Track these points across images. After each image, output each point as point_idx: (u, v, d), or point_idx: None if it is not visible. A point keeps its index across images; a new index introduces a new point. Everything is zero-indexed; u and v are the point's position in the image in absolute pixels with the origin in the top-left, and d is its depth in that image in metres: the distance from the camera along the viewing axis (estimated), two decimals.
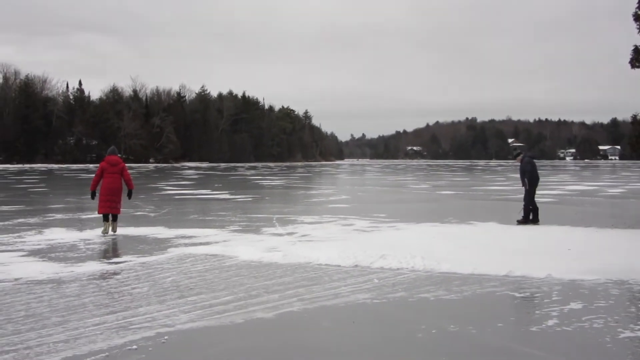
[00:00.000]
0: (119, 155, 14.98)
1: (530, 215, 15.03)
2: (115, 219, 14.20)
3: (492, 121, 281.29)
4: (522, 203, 15.26)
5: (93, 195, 14.65)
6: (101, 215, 14.14)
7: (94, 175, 14.91)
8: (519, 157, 15.85)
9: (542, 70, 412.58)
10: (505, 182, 41.28)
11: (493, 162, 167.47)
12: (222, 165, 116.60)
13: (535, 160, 15.79)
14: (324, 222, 15.79)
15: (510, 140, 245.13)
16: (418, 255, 10.03)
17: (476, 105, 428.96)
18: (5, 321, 6.42)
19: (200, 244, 12.05)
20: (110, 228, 13.97)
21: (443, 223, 15.34)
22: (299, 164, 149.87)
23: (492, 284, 8.34)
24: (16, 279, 8.64)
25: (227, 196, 27.07)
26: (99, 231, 13.96)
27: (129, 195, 14.90)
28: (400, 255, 10.02)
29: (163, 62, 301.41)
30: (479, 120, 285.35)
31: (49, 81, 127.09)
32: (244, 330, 6.15)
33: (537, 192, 15.45)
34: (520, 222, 14.96)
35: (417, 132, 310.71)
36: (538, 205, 15.40)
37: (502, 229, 14.02)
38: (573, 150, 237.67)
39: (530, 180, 15.27)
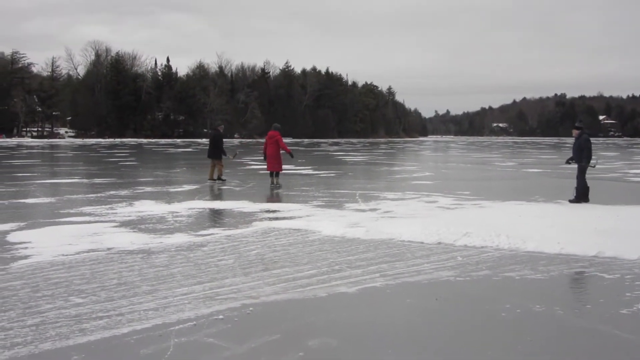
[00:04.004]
0: (278, 129, 19.94)
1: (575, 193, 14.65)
2: (277, 175, 19.67)
3: (582, 97, 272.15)
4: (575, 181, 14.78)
5: (265, 158, 19.89)
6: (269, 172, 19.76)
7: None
8: (577, 132, 15.10)
9: (635, 45, 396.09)
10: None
11: None
12: (306, 140, 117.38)
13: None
14: (407, 199, 15.71)
15: (601, 117, 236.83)
16: (503, 233, 9.86)
17: (565, 81, 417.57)
18: (99, 288, 6.69)
19: (284, 218, 12.20)
20: (275, 180, 19.46)
21: (529, 201, 15.00)
22: (382, 140, 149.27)
23: (580, 264, 8.12)
24: (109, 249, 8.98)
25: (310, 171, 27.27)
26: (185, 204, 14.35)
27: (291, 155, 20.25)
28: (485, 234, 9.87)
29: (247, 40, 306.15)
30: (568, 96, 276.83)
31: (138, 58, 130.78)
32: (327, 304, 6.21)
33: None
34: (572, 201, 14.53)
35: (503, 109, 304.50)
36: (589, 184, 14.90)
37: (591, 208, 13.57)
38: None
39: (588, 157, 14.73)
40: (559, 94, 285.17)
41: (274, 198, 16.43)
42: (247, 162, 34.68)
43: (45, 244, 9.27)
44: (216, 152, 20.82)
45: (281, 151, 19.70)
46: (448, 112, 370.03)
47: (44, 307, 5.98)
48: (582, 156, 14.76)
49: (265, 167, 20.00)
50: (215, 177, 20.70)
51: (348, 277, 7.27)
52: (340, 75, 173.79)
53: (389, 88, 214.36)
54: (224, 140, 21.57)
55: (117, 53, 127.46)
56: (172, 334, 5.25)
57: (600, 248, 8.80)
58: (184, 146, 73.91)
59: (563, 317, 5.83)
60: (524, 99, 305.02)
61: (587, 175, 14.86)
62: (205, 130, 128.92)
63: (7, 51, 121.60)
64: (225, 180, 20.74)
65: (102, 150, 57.33)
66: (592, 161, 14.84)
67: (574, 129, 15.27)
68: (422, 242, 9.54)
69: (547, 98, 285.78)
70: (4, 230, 10.57)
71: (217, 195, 16.52)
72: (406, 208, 13.75)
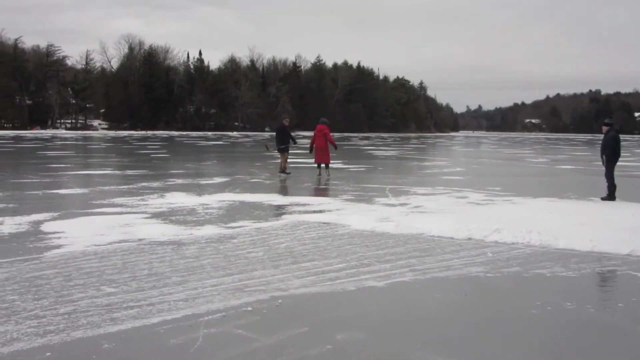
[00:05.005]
0: (326, 123, 21.10)
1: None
2: (327, 167, 20.91)
3: (617, 93, 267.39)
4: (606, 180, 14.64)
5: (310, 150, 21.57)
6: (316, 164, 21.01)
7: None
8: (606, 128, 14.93)
9: None
10: (629, 157, 39.37)
11: None
12: (336, 134, 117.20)
13: (621, 135, 14.97)
14: (437, 194, 15.63)
15: (637, 114, 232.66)
16: (534, 230, 9.76)
17: (600, 77, 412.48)
18: (130, 279, 6.77)
19: (314, 211, 12.21)
20: (322, 172, 20.73)
21: (561, 198, 14.83)
22: (413, 135, 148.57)
23: (612, 262, 8.01)
24: (140, 240, 9.08)
25: (341, 165, 27.24)
26: (216, 197, 14.44)
27: (335, 147, 21.55)
28: (516, 230, 9.78)
29: (278, 34, 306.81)
30: (603, 92, 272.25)
31: (170, 51, 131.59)
32: (356, 298, 6.21)
33: None
34: (604, 199, 14.37)
35: (536, 104, 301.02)
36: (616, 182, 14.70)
37: (624, 206, 13.39)
38: None
39: (610, 156, 14.56)
40: (593, 89, 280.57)
41: (316, 189, 16.69)
42: (277, 155, 34.74)
43: (78, 234, 9.40)
44: (285, 144, 21.18)
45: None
46: (480, 107, 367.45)
47: (76, 296, 6.07)
48: (604, 153, 14.64)
49: (313, 160, 21.16)
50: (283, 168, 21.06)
51: (377, 272, 7.26)
52: (371, 69, 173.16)
53: (421, 83, 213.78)
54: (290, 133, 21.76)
55: (150, 46, 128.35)
56: (201, 325, 5.29)
57: (633, 246, 8.67)
58: (215, 139, 74.31)
59: (594, 316, 5.76)
60: (558, 94, 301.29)
61: (622, 173, 14.67)
62: (236, 123, 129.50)
63: (43, 44, 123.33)
64: (289, 173, 20.96)
65: (134, 142, 57.87)
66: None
67: (603, 125, 15.13)
68: (452, 238, 9.49)
69: (582, 94, 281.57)
70: (38, 220, 10.74)
71: (248, 188, 16.58)
72: (436, 203, 13.68)
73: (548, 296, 6.33)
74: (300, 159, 31.12)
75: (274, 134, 22.03)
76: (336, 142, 21.67)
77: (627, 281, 7.12)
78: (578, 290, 6.62)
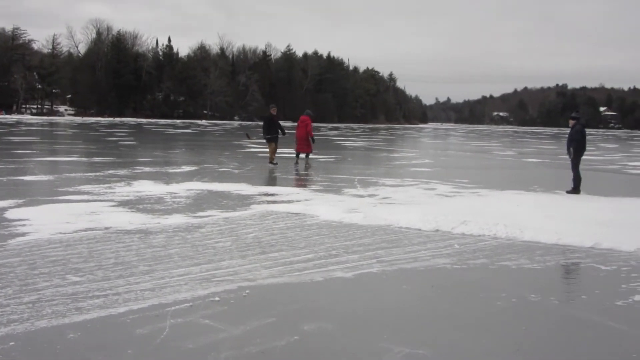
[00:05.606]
0: (309, 115, 22.32)
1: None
2: (307, 156, 22.25)
3: (583, 88, 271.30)
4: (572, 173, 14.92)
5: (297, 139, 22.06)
6: (295, 153, 22.03)
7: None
8: (572, 122, 15.22)
9: (638, 37, 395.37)
10: (594, 151, 39.94)
11: None
12: None
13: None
14: (405, 186, 15.71)
15: (602, 109, 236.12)
16: (500, 222, 9.86)
17: (567, 71, 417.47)
18: (96, 267, 6.70)
19: (282, 202, 12.20)
20: (300, 162, 21.57)
21: (528, 191, 15.01)
22: (382, 126, 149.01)
23: (577, 255, 8.13)
24: (106, 228, 8.98)
25: (310, 156, 27.19)
26: (184, 186, 14.35)
27: (312, 140, 22.11)
28: (482, 222, 9.88)
29: (249, 22, 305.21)
30: (569, 86, 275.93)
31: (139, 37, 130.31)
32: (323, 289, 6.22)
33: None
34: (570, 192, 14.62)
35: (504, 98, 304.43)
36: (582, 175, 14.98)
37: (589, 200, 13.60)
38: None
39: (577, 149, 14.85)
40: (560, 84, 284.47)
41: (285, 179, 16.61)
42: (246, 144, 34.65)
43: (43, 221, 9.27)
44: (272, 134, 20.87)
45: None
46: (449, 99, 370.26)
47: (40, 285, 5.99)
48: (571, 146, 14.91)
49: (297, 147, 22.05)
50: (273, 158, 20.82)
51: (345, 262, 7.28)
52: (341, 60, 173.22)
53: (390, 74, 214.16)
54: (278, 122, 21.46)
55: (119, 32, 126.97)
56: (168, 315, 5.26)
57: (597, 239, 8.81)
58: (184, 127, 73.80)
59: (558, 307, 5.85)
60: (525, 88, 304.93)
61: (588, 166, 14.91)
62: (205, 111, 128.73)
63: (8, 27, 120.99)
64: (276, 164, 20.55)
65: (101, 129, 57.21)
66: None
67: (569, 119, 15.39)
68: (420, 229, 9.54)
69: (549, 88, 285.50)
70: (2, 207, 10.58)
71: (216, 177, 16.50)
72: (404, 195, 13.75)
73: (513, 288, 6.41)
74: (268, 148, 31.07)
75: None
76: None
77: (590, 273, 7.24)
78: (543, 282, 6.71)
